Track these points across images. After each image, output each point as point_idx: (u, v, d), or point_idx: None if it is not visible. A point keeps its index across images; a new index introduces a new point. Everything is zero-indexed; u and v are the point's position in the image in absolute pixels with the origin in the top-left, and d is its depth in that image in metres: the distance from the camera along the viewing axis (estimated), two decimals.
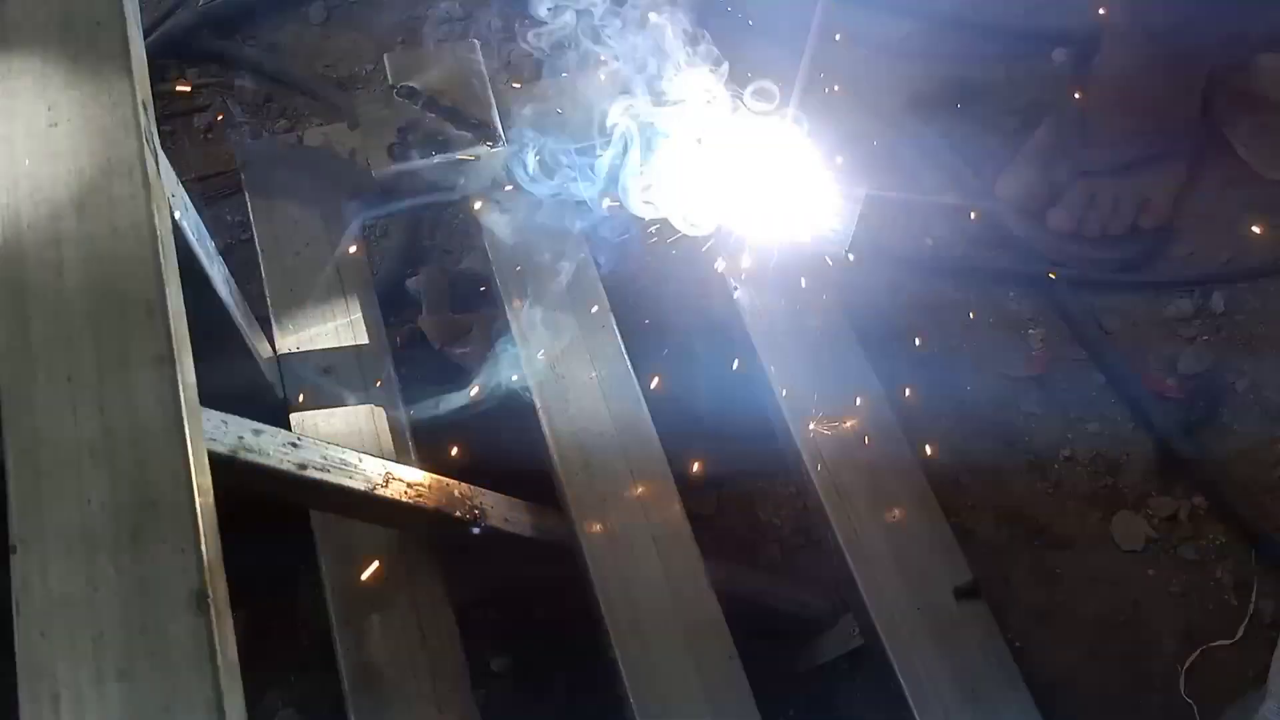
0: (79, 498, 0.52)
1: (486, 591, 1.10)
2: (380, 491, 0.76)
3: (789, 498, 1.16)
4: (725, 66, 0.94)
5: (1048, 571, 1.12)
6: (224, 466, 0.68)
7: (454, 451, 0.98)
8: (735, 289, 0.88)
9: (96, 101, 0.63)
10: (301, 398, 0.86)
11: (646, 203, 0.87)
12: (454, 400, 0.98)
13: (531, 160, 0.90)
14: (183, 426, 0.54)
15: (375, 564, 0.82)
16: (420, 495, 0.78)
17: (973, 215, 1.31)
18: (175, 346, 0.56)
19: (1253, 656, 1.07)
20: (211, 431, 0.67)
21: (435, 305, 1.22)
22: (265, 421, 0.73)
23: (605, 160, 0.90)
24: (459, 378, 1.20)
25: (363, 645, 0.78)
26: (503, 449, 1.04)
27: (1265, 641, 1.08)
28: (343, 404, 0.86)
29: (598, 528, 0.80)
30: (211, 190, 1.35)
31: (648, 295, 1.27)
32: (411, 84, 0.94)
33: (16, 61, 0.65)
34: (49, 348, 0.56)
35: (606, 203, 0.90)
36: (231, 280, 0.84)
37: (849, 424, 0.82)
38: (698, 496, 1.14)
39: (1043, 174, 1.27)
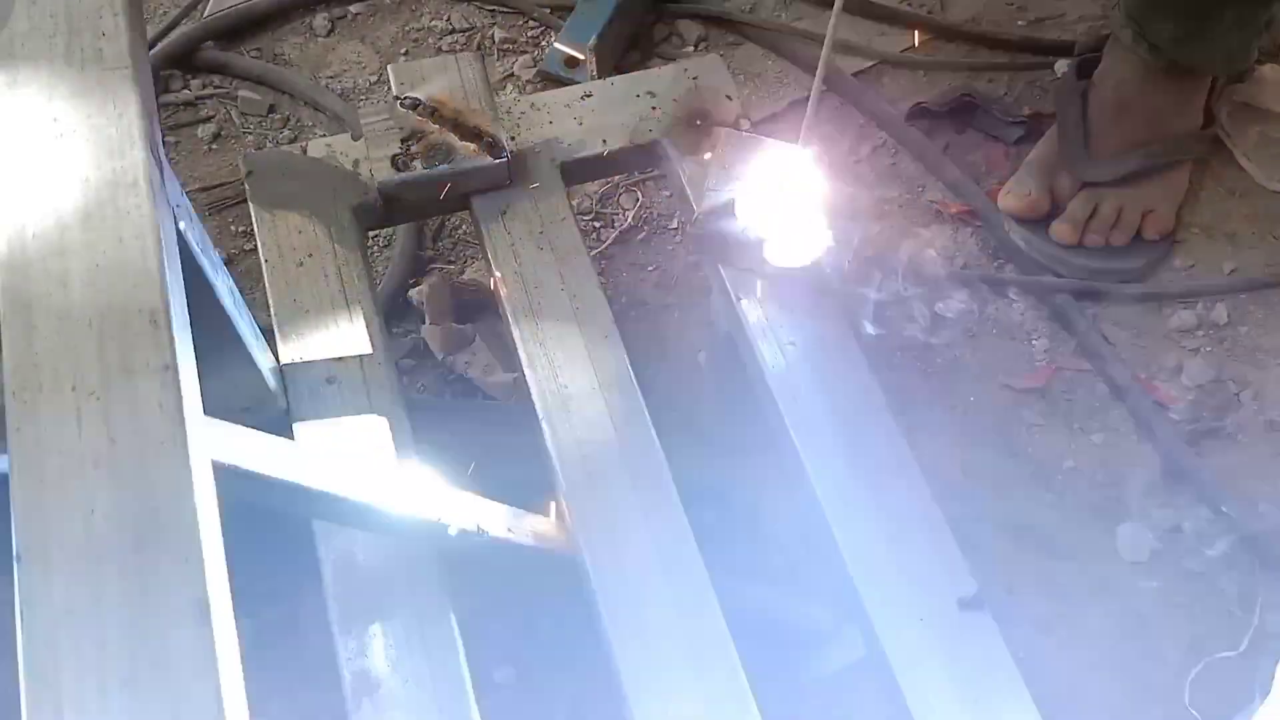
0: (83, 507, 0.52)
1: (489, 602, 1.10)
2: (382, 502, 0.76)
3: (791, 507, 1.16)
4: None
5: (1051, 583, 1.11)
6: (227, 476, 0.68)
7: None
8: (740, 300, 0.88)
9: (102, 112, 0.63)
10: (305, 408, 0.86)
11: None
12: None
13: None
14: (186, 436, 0.54)
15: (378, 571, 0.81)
16: (422, 505, 0.78)
17: (975, 226, 1.32)
18: (179, 357, 0.56)
19: (1258, 668, 1.07)
20: (215, 441, 0.67)
21: (438, 315, 1.22)
22: (269, 431, 0.73)
23: None
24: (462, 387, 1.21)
25: (365, 656, 0.78)
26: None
27: (1270, 653, 1.07)
28: (346, 414, 0.86)
29: (600, 538, 0.80)
30: (216, 200, 1.36)
31: (651, 305, 1.28)
32: (415, 95, 0.94)
33: (22, 72, 0.65)
34: (53, 357, 0.56)
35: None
36: (235, 290, 0.84)
37: (851, 432, 0.82)
38: (700, 506, 1.14)
39: (1045, 185, 1.27)
